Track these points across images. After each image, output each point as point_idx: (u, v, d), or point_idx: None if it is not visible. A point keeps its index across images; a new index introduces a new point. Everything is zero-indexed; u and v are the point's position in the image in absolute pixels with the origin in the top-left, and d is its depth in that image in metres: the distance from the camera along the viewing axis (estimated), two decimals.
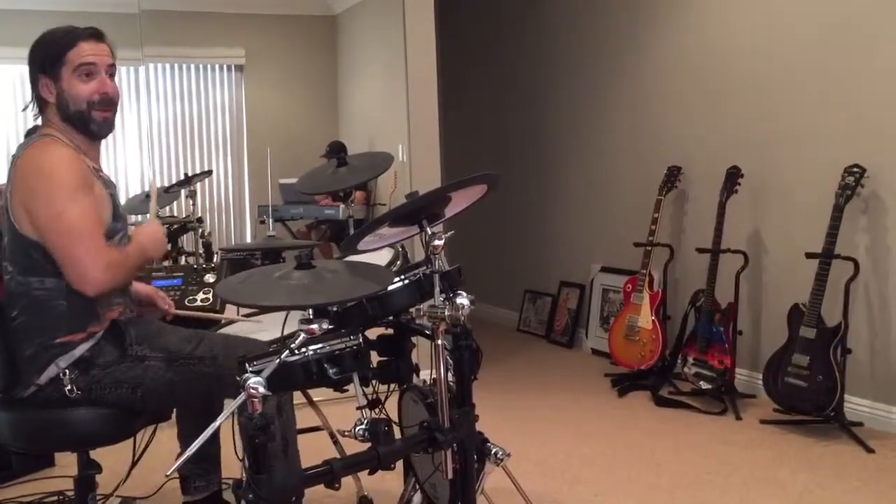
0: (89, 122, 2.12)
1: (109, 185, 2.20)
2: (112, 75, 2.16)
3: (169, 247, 2.34)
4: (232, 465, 2.43)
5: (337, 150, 5.37)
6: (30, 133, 2.20)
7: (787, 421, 3.54)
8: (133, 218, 4.46)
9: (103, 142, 2.24)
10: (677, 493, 2.90)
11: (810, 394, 3.37)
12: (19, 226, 2.05)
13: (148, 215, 2.42)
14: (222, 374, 2.07)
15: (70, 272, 2.02)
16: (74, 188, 2.03)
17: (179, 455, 2.52)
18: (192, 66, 5.74)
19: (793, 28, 3.79)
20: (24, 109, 2.24)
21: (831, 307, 3.46)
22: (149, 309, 2.41)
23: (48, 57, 2.10)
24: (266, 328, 2.45)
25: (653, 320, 4.23)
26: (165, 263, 4.19)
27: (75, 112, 2.11)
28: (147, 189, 4.74)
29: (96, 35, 2.14)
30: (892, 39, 3.37)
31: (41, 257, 2.05)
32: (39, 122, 2.20)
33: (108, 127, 2.16)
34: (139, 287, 2.39)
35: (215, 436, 2.53)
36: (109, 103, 2.14)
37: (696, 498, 2.85)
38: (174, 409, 2.43)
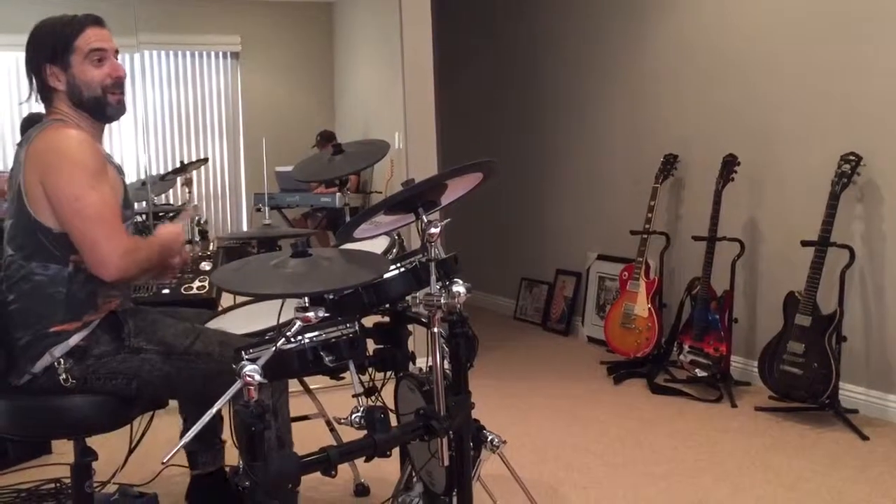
0: (105, 107, 2.14)
1: (120, 172, 2.22)
2: (117, 59, 2.19)
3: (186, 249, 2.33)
4: (231, 452, 2.44)
5: (328, 139, 5.37)
6: (28, 121, 2.20)
7: (783, 408, 3.55)
8: None
9: None
10: (672, 479, 2.92)
11: (805, 381, 3.38)
12: (33, 209, 2.03)
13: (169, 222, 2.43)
14: (218, 371, 2.07)
15: (89, 257, 2.03)
16: (94, 172, 2.04)
17: (182, 433, 2.54)
18: (188, 53, 5.72)
19: (789, 17, 3.78)
20: (22, 103, 2.23)
21: (827, 295, 3.47)
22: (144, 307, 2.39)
23: (56, 46, 2.10)
24: (257, 317, 2.45)
25: (649, 308, 4.24)
26: None
27: (90, 98, 2.12)
28: (143, 176, 4.74)
29: (98, 21, 2.15)
30: (889, 28, 3.36)
31: (50, 243, 2.05)
32: (25, 110, 2.20)
33: (122, 109, 2.19)
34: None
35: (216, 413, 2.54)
36: (122, 85, 2.17)
37: (690, 484, 2.87)
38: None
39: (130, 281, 2.21)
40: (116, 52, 2.17)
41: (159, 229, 2.29)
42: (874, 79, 3.43)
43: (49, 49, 2.10)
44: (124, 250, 2.04)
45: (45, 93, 2.15)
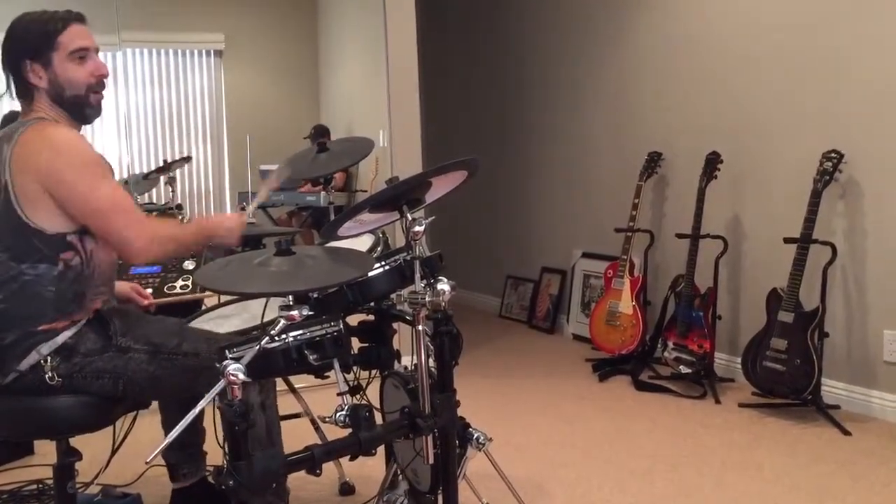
0: (85, 107, 2.12)
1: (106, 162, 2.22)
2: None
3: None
4: (215, 452, 2.43)
5: (320, 134, 5.36)
6: (7, 120, 2.17)
7: (766, 404, 3.57)
8: None
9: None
10: (657, 475, 2.93)
11: (788, 377, 3.40)
12: (26, 211, 2.00)
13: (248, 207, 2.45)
14: (204, 371, 2.06)
15: (118, 246, 2.07)
16: (98, 164, 2.05)
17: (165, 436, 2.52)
18: (171, 52, 5.68)
19: (771, 15, 3.80)
20: (1, 95, 2.21)
21: (809, 291, 3.50)
22: (127, 305, 2.41)
23: (38, 42, 2.07)
24: (237, 316, 2.45)
25: (633, 305, 4.26)
26: None
27: (72, 97, 2.10)
28: (125, 176, 4.71)
29: (80, 18, 2.13)
30: (868, 25, 3.39)
31: (43, 244, 2.02)
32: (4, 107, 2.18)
33: (99, 111, 2.17)
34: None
35: (198, 422, 2.53)
36: (104, 85, 2.15)
37: (674, 480, 2.88)
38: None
39: (164, 258, 2.23)
40: (97, 49, 2.15)
41: (217, 218, 2.29)
42: (855, 77, 3.46)
43: (30, 45, 2.08)
44: (151, 233, 2.07)
45: (25, 90, 2.12)
